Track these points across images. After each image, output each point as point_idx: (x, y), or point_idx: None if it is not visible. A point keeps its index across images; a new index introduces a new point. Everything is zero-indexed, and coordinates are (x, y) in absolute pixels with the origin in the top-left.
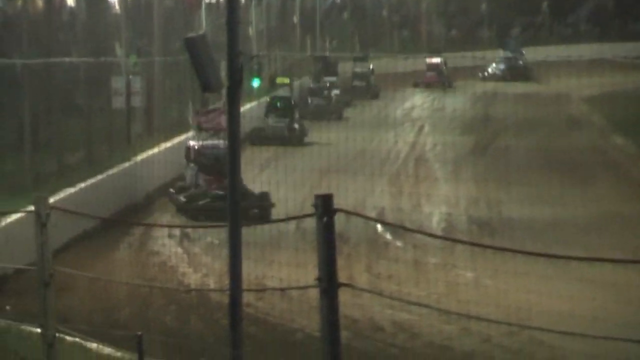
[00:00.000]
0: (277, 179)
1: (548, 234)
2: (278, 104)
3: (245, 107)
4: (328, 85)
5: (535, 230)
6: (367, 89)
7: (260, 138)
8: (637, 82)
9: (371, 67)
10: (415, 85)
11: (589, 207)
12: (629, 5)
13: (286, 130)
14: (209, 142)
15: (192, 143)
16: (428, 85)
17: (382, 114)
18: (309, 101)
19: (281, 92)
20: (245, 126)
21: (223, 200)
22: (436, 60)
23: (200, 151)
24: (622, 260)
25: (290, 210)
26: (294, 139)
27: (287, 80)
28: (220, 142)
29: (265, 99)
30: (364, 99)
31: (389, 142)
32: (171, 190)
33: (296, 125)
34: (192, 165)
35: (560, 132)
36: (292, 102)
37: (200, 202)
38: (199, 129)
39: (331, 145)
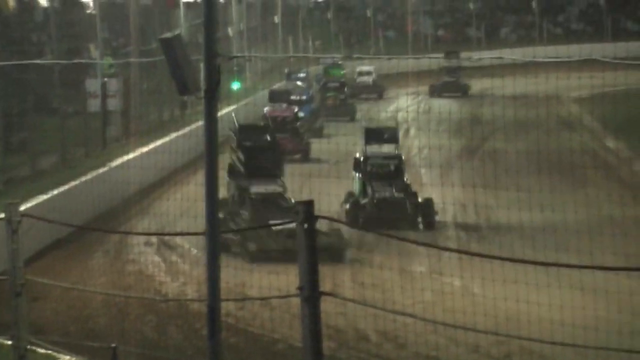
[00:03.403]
0: None
1: (539, 239)
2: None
3: (223, 112)
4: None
5: (526, 236)
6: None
7: None
8: (627, 83)
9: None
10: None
11: (581, 212)
12: (620, 4)
13: None
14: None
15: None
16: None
17: (366, 117)
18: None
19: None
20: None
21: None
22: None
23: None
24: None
25: None
26: None
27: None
28: None
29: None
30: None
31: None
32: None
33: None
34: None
35: (551, 134)
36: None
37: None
38: None
39: (312, 151)
